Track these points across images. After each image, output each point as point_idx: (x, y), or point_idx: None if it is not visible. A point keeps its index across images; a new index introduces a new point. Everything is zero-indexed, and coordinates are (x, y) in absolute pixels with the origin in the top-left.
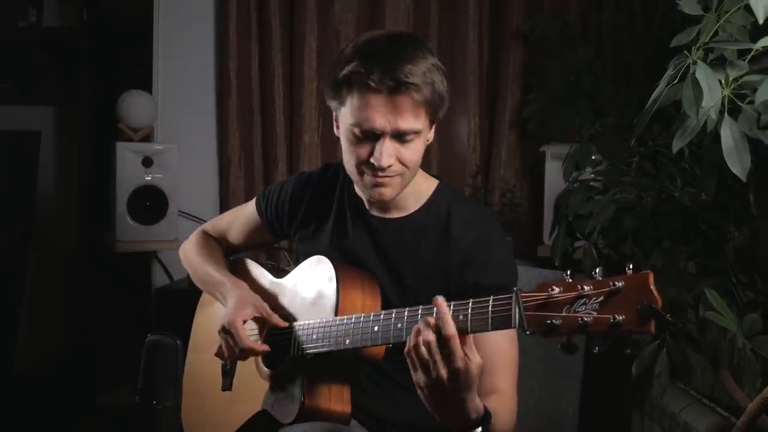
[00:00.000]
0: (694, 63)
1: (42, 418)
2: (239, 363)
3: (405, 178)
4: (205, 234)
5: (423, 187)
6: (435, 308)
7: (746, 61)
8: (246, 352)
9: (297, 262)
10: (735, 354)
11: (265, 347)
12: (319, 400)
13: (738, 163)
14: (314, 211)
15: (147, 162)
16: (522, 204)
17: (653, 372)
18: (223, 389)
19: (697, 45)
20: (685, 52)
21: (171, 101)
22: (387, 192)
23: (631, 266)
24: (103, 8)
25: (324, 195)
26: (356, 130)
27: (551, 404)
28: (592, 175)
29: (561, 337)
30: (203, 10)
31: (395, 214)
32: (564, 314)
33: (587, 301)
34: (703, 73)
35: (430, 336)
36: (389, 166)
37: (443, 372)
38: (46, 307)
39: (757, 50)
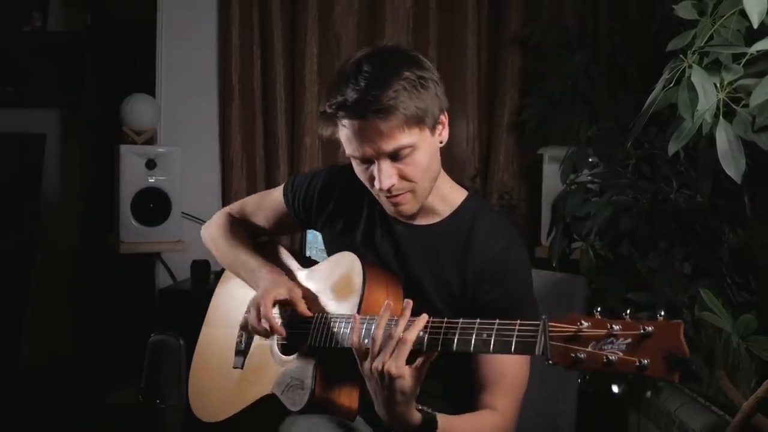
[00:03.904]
0: (690, 67)
1: (46, 417)
2: (253, 345)
3: (419, 192)
4: (231, 217)
5: (450, 196)
6: (459, 323)
7: (741, 64)
8: (267, 328)
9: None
10: (730, 354)
11: (282, 331)
12: (328, 392)
13: (733, 165)
14: (344, 207)
15: (150, 164)
16: (520, 206)
17: None
18: (234, 366)
19: (693, 49)
20: (681, 56)
21: (174, 104)
22: (405, 208)
23: (662, 313)
24: (107, 13)
25: (355, 192)
26: (354, 160)
27: (551, 404)
28: (589, 178)
29: (583, 371)
30: (206, 14)
31: (420, 222)
32: (590, 350)
33: (614, 341)
34: (698, 77)
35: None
36: (392, 186)
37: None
38: (51, 307)
39: (751, 54)
